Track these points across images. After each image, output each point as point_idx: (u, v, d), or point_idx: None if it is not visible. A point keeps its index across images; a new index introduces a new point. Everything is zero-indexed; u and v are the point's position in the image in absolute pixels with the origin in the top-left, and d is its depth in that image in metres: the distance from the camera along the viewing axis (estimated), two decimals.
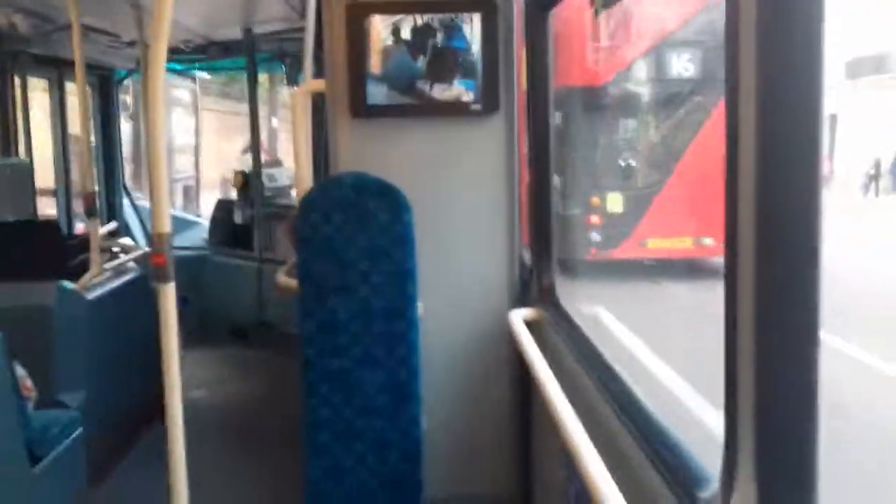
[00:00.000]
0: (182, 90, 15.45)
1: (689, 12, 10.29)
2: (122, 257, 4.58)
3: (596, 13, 9.96)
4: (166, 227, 2.42)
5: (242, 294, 6.27)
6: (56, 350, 3.50)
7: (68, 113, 6.16)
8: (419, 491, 2.91)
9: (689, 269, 10.20)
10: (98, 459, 3.61)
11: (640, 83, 10.95)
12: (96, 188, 5.81)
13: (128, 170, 9.75)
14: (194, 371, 5.13)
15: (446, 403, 3.15)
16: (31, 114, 5.79)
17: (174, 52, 5.98)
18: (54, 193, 6.27)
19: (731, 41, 1.18)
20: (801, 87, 1.10)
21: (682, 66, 10.35)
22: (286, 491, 3.36)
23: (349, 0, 3.04)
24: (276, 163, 9.57)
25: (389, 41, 3.08)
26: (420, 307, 2.92)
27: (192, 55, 6.31)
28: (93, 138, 5.74)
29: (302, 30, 4.02)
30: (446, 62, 3.08)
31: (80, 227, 6.19)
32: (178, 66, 7.28)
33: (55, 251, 4.02)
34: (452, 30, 3.08)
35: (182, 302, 2.62)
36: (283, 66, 6.48)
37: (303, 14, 3.90)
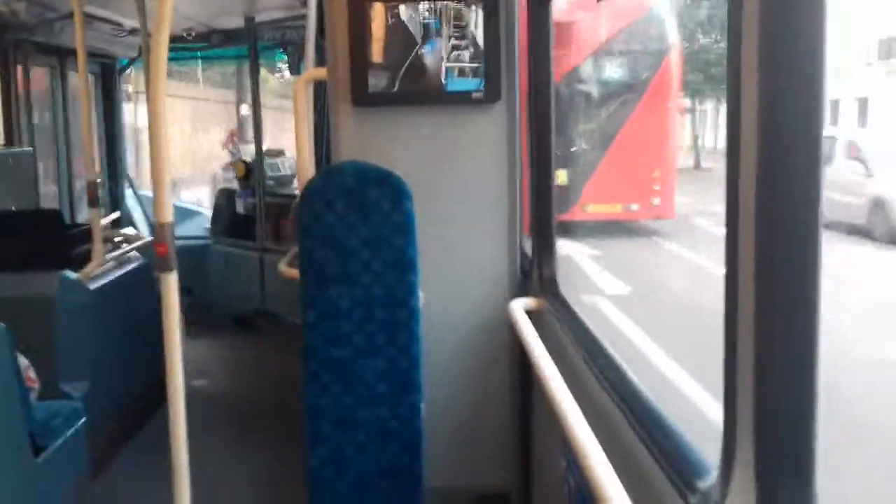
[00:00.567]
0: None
1: (619, 27, 13.02)
2: (125, 247, 4.59)
3: None
4: (168, 216, 2.42)
5: (244, 283, 6.29)
6: (59, 340, 3.51)
7: (70, 102, 6.15)
8: (419, 480, 2.92)
9: (624, 229, 13.56)
10: (101, 449, 3.62)
11: (583, 83, 13.33)
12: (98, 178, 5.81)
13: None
14: (196, 360, 5.15)
15: (446, 393, 3.15)
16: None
17: (176, 41, 5.97)
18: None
19: (733, 42, 1.17)
20: (802, 87, 1.10)
21: (614, 69, 13.11)
22: (287, 479, 3.37)
23: None
24: (279, 153, 9.58)
25: (391, 29, 3.06)
26: (421, 296, 2.92)
27: (193, 43, 6.29)
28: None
29: (304, 17, 4.01)
30: (448, 51, 3.07)
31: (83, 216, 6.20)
32: (179, 55, 7.26)
33: (58, 241, 4.02)
34: (454, 19, 3.06)
35: (184, 291, 2.62)
36: (284, 55, 6.48)
37: (305, 2, 3.89)
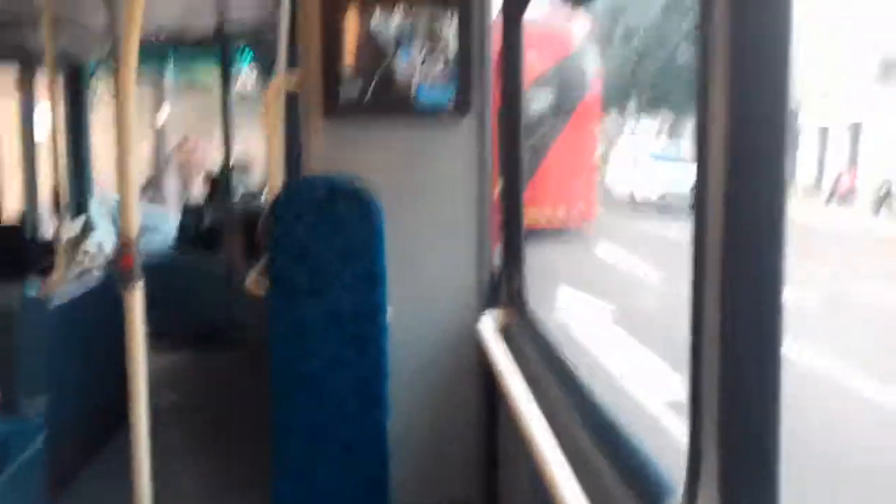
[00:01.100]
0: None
1: (550, 64, 15.51)
2: (89, 260, 4.50)
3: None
4: (134, 230, 2.37)
5: (211, 297, 6.20)
6: (19, 356, 3.42)
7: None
8: (385, 495, 2.89)
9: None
10: (62, 467, 3.54)
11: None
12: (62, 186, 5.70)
13: None
14: (161, 375, 5.06)
15: (414, 406, 3.13)
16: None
17: (146, 45, 5.90)
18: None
19: (702, 51, 1.19)
20: (768, 99, 1.12)
21: (546, 98, 15.58)
22: (253, 496, 3.32)
23: None
24: (246, 167, 9.50)
25: (364, 40, 3.05)
26: (389, 310, 2.89)
27: (164, 47, 6.23)
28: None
29: (276, 26, 3.98)
30: (420, 63, 3.06)
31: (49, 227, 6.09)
32: (148, 63, 7.18)
33: (19, 255, 3.93)
34: (428, 31, 3.06)
35: (150, 305, 2.57)
36: (255, 60, 6.43)
37: (278, 7, 3.86)
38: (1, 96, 6.73)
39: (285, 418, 2.83)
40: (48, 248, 4.11)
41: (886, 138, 21.87)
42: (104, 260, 4.59)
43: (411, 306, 3.07)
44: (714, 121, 1.16)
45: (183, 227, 6.80)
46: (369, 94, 3.05)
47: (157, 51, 6.40)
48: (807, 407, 5.84)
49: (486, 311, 3.01)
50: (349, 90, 3.05)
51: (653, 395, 6.68)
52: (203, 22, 5.73)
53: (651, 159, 23.73)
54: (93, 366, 3.99)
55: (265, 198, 4.45)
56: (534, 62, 14.41)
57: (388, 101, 3.06)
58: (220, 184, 6.39)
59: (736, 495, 1.18)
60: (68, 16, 4.94)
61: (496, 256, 3.23)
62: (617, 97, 29.31)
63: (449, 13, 3.05)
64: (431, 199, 3.15)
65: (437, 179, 3.15)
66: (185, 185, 14.50)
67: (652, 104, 31.01)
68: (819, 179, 26.37)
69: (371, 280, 2.83)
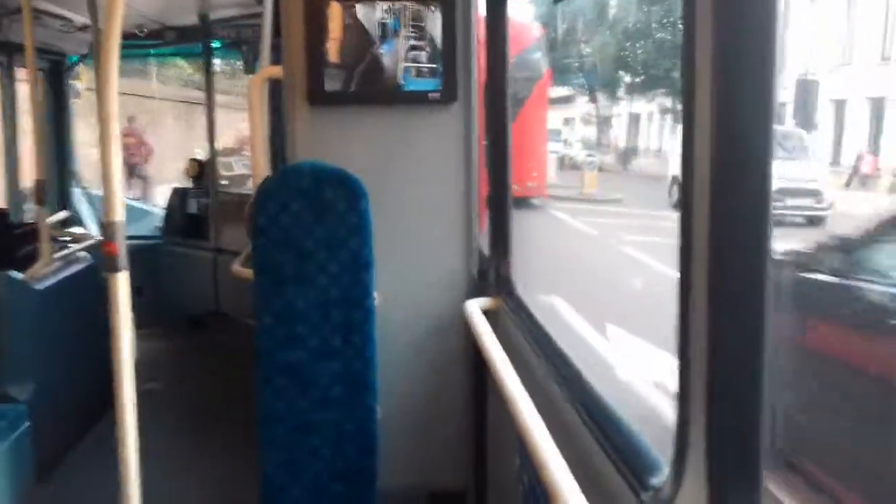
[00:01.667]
0: None
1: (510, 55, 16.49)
2: (73, 247, 4.48)
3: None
4: (118, 215, 2.36)
5: (197, 284, 6.18)
6: (3, 342, 3.41)
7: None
8: (374, 482, 2.90)
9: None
10: (47, 452, 3.53)
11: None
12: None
13: None
14: (147, 362, 5.05)
15: (402, 393, 3.14)
16: None
17: (128, 38, 5.85)
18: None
19: (688, 47, 1.20)
20: (754, 88, 1.12)
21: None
22: (240, 484, 3.32)
23: None
24: (234, 151, 9.46)
25: (348, 29, 3.05)
26: (376, 297, 2.90)
27: (146, 40, 6.18)
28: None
29: (259, 16, 3.96)
30: (405, 51, 3.06)
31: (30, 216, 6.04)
32: (131, 53, 7.11)
33: (3, 241, 3.91)
34: (412, 19, 3.06)
35: (135, 292, 2.57)
36: (240, 53, 6.39)
37: (261, 0, 3.84)
38: None
39: (271, 406, 2.83)
40: (33, 233, 4.07)
41: None
42: (89, 245, 4.56)
43: (399, 292, 3.08)
44: (700, 112, 1.17)
45: (169, 213, 6.77)
46: (354, 83, 3.05)
47: (138, 44, 6.35)
48: None
49: (474, 297, 3.03)
50: (334, 79, 3.05)
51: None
52: (185, 14, 5.69)
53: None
54: (78, 351, 3.97)
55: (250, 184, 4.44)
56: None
57: (373, 90, 3.06)
58: (205, 169, 6.35)
59: (721, 476, 1.20)
60: (48, 9, 4.89)
61: (483, 241, 3.24)
62: (607, 83, 30.92)
63: (432, 4, 3.05)
64: (418, 187, 3.15)
65: (424, 167, 3.15)
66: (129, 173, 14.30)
67: (640, 88, 31.64)
68: (836, 157, 25.24)
69: (358, 267, 2.83)
